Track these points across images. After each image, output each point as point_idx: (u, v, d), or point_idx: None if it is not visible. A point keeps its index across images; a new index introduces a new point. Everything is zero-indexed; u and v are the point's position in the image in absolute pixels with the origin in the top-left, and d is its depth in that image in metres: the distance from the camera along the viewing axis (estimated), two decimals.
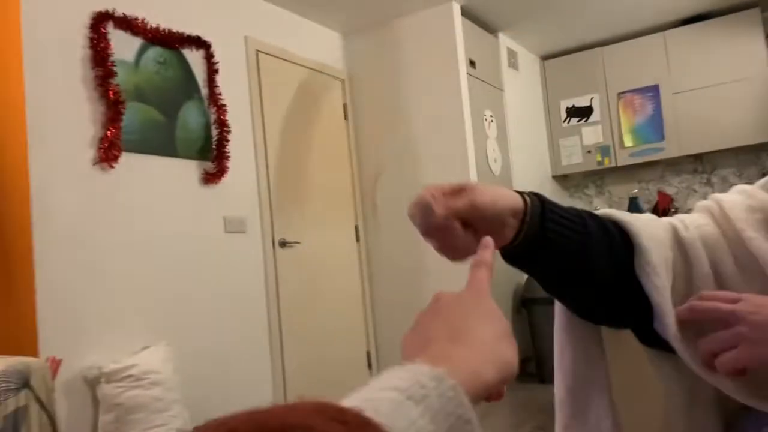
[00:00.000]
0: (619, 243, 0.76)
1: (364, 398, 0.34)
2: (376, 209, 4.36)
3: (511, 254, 0.73)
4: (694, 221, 0.81)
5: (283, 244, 3.67)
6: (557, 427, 0.87)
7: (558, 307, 0.87)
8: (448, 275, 3.93)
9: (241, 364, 3.29)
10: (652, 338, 0.76)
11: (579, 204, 5.56)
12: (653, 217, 0.83)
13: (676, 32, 4.97)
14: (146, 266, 2.89)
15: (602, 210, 0.82)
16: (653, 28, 5.06)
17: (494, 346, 0.45)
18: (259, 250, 3.53)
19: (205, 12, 3.37)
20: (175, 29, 3.16)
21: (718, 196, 0.82)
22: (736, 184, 0.84)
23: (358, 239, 4.34)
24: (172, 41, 3.15)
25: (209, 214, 3.24)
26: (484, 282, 0.54)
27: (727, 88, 4.72)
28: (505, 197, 0.69)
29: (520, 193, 0.71)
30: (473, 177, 4.05)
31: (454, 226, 0.65)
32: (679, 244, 0.78)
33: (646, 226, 0.78)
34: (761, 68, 4.64)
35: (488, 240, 0.58)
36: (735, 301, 0.67)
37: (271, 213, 3.63)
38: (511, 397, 3.94)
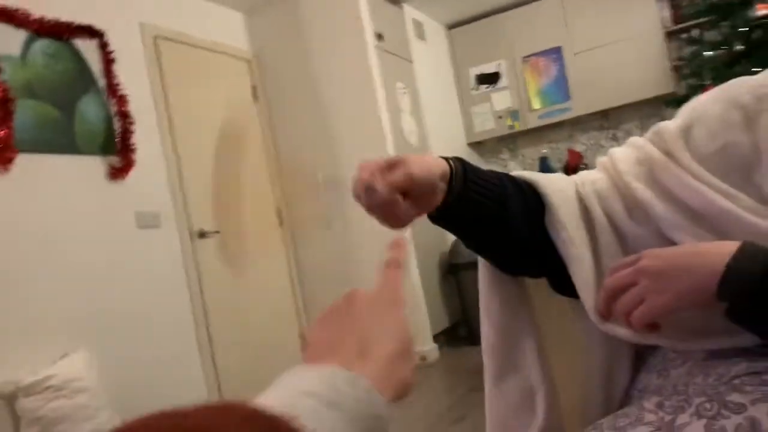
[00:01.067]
0: (533, 201, 0.84)
1: (285, 404, 0.35)
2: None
3: (437, 216, 0.79)
4: (590, 177, 0.89)
5: (202, 234, 3.56)
6: (487, 378, 0.92)
7: (481, 263, 0.92)
8: (377, 249, 3.96)
9: (170, 362, 3.20)
10: (565, 286, 0.84)
11: (495, 168, 5.65)
12: (561, 175, 0.91)
13: None
14: (56, 271, 2.74)
15: (517, 172, 0.89)
16: None
17: (396, 365, 0.45)
18: (177, 244, 3.41)
19: None
20: (63, 19, 2.97)
21: (612, 151, 0.91)
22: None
23: (281, 223, 4.27)
24: (61, 32, 2.96)
25: (119, 210, 3.10)
26: (400, 285, 0.55)
27: (625, 45, 4.91)
28: (435, 165, 0.74)
29: (445, 159, 0.77)
30: (390, 151, 4.06)
31: (396, 200, 0.70)
32: (580, 198, 0.86)
33: (555, 185, 0.86)
34: (654, 24, 4.85)
35: (401, 239, 0.60)
36: (637, 260, 0.71)
37: (186, 204, 3.51)
38: (444, 361, 4.02)
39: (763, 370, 0.67)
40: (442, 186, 0.75)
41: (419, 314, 3.97)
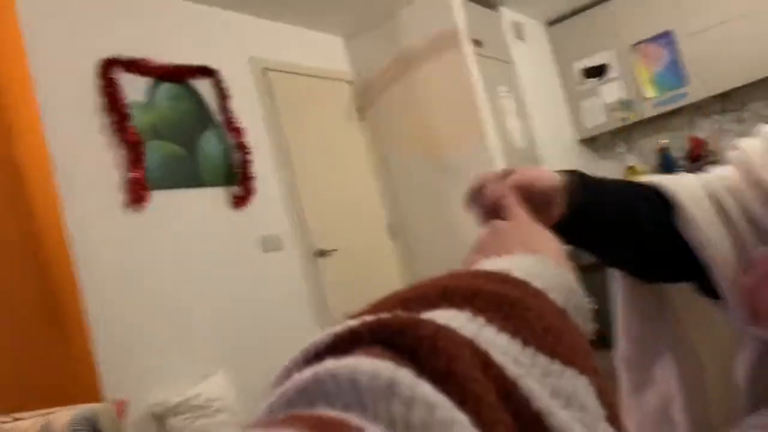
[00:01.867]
0: (659, 204, 0.80)
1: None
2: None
3: (559, 231, 0.74)
4: (720, 173, 0.83)
5: (322, 253, 3.68)
6: (624, 392, 0.90)
7: (617, 276, 0.89)
8: None
9: None
10: (709, 289, 0.79)
11: (612, 164, 5.46)
12: (686, 175, 0.86)
13: None
14: (192, 298, 2.94)
15: (639, 178, 0.88)
16: None
17: (565, 259, 0.46)
18: (299, 264, 3.55)
19: (206, 40, 3.41)
20: (180, 62, 3.20)
21: (740, 144, 0.84)
22: None
23: (393, 237, 4.33)
24: (180, 75, 3.19)
25: (245, 236, 3.27)
26: (526, 213, 0.58)
27: (745, 21, 4.57)
28: (548, 175, 0.71)
29: (563, 173, 0.74)
30: (498, 156, 4.01)
31: (507, 205, 0.65)
32: (711, 195, 0.80)
33: (680, 184, 0.81)
34: None
35: (486, 176, 0.63)
36: None
37: (304, 225, 3.65)
38: None
39: None
40: (559, 201, 0.71)
41: None
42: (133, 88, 2.97)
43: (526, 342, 0.28)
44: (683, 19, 4.82)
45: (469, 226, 0.70)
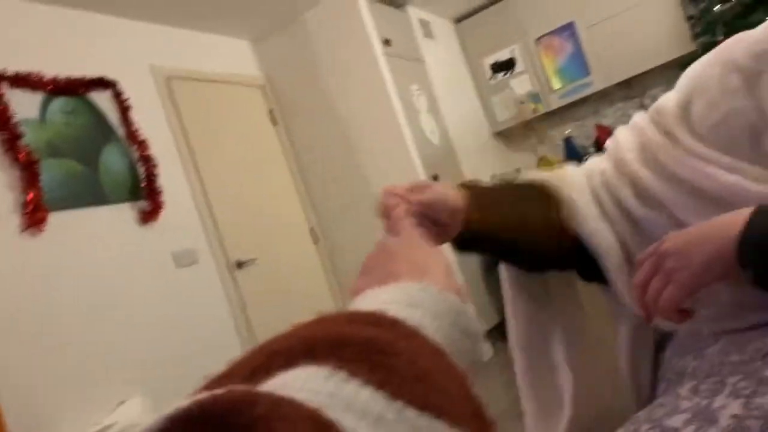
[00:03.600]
0: (546, 200, 0.85)
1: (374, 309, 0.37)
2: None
3: (458, 244, 0.80)
4: (598, 167, 0.89)
5: (240, 264, 3.59)
6: (518, 373, 0.94)
7: (502, 266, 0.95)
8: None
9: None
10: (592, 274, 0.86)
11: (524, 155, 5.60)
12: (573, 168, 0.93)
13: None
14: (102, 322, 2.79)
15: (524, 176, 0.91)
16: None
17: (451, 278, 0.47)
18: (216, 277, 3.44)
19: (103, 50, 3.25)
20: (75, 75, 3.04)
21: (617, 135, 0.90)
22: None
23: (315, 242, 4.28)
24: (75, 88, 3.03)
25: (155, 253, 3.14)
26: (415, 230, 0.60)
27: (638, 11, 4.77)
28: (453, 196, 0.74)
29: (465, 187, 0.79)
30: (413, 154, 4.03)
31: (397, 219, 0.69)
32: (592, 189, 0.87)
33: (566, 180, 0.87)
34: None
35: (389, 188, 0.66)
36: (659, 246, 0.69)
37: (219, 236, 3.54)
38: (500, 357, 3.95)
39: None
40: (460, 219, 0.74)
41: None
42: (24, 104, 2.79)
43: (393, 395, 0.27)
44: (583, 11, 4.99)
45: None
